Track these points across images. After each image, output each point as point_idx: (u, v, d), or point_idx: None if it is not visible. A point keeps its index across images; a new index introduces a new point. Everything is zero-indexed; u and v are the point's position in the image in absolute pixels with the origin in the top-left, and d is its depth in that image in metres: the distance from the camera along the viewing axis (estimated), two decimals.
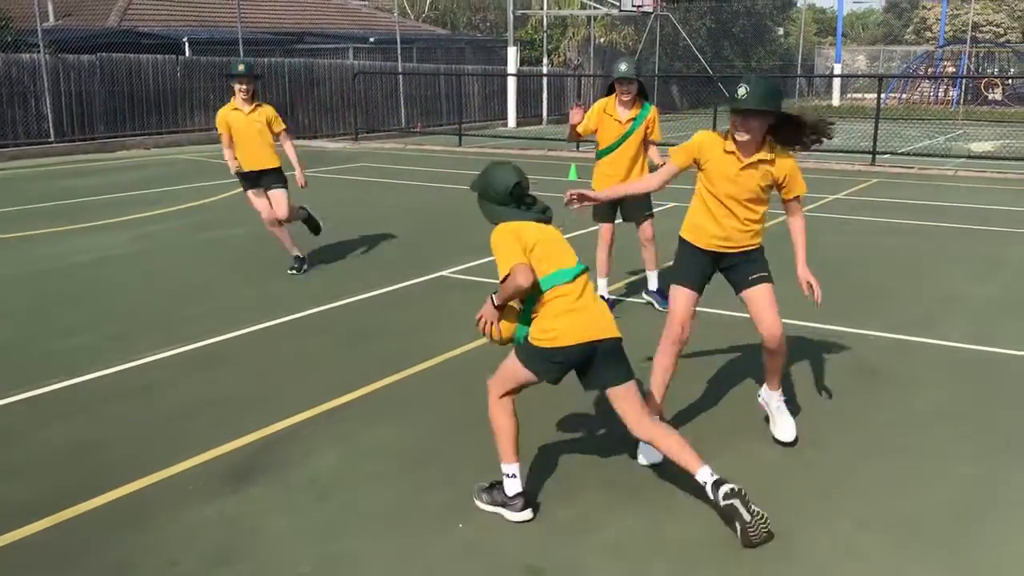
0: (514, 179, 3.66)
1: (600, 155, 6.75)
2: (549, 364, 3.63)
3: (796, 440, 4.33)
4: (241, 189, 7.92)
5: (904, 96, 35.06)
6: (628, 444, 4.34)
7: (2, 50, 17.76)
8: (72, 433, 4.48)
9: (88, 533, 3.53)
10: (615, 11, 28.13)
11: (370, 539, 3.50)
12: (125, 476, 3.97)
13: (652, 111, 6.51)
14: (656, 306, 6.71)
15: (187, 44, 21.94)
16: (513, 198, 3.67)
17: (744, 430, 4.52)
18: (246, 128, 7.54)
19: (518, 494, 3.66)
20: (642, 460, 4.15)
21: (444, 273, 7.80)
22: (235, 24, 21.30)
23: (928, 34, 43.87)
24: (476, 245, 8.88)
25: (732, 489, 3.44)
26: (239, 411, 4.74)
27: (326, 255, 8.63)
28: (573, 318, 3.58)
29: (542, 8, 30.16)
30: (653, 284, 6.86)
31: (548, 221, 3.74)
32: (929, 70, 35.75)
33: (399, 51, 25.16)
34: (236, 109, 7.55)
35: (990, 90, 33.24)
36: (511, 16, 26.16)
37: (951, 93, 33.59)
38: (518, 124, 26.08)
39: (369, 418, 4.67)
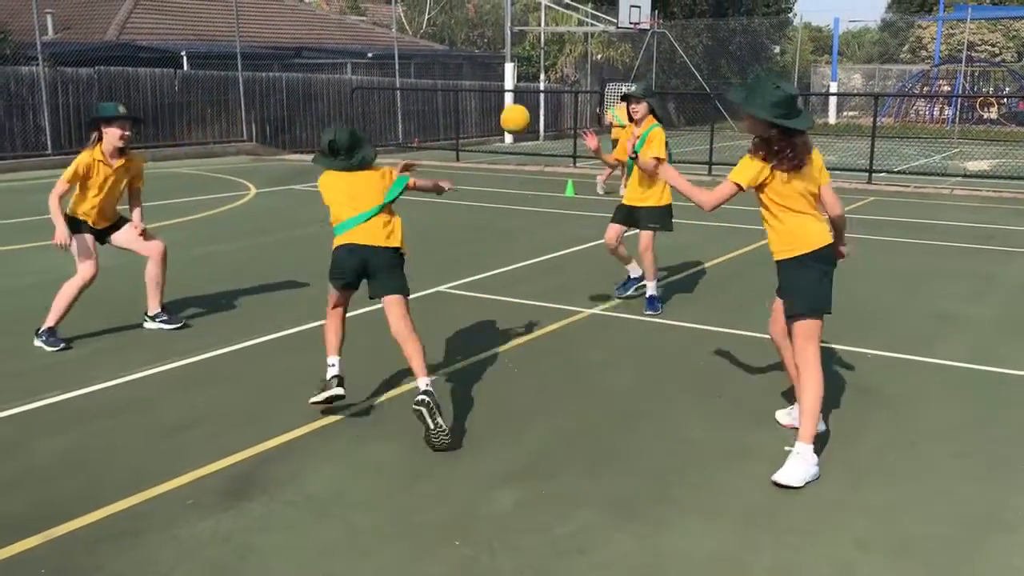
0: (329, 136, 4.85)
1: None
2: (333, 266, 4.86)
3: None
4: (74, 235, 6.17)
5: (900, 115, 35.21)
6: (627, 459, 4.32)
7: (1, 63, 17.78)
8: (66, 447, 4.45)
9: (82, 548, 3.50)
10: (612, 28, 28.27)
11: (366, 557, 3.47)
12: (119, 491, 3.94)
13: (653, 132, 6.71)
14: (645, 310, 7.01)
15: (185, 58, 21.99)
16: (330, 150, 4.85)
17: (746, 449, 4.50)
18: (112, 183, 6.20)
19: (333, 376, 4.77)
20: None
21: (441, 288, 7.78)
22: (233, 38, 21.36)
23: (923, 53, 44.09)
24: (473, 260, 8.87)
25: (425, 399, 4.29)
26: (233, 427, 4.72)
27: (321, 270, 8.61)
28: (350, 231, 4.77)
29: (539, 25, 30.29)
30: (650, 291, 7.06)
31: (358, 168, 4.88)
32: (925, 89, 35.92)
33: (397, 66, 25.23)
34: (101, 161, 6.07)
35: (985, 109, 33.38)
36: (508, 32, 26.28)
37: (946, 112, 33.74)
38: (515, 140, 26.14)
39: (365, 434, 4.64)
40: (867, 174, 16.11)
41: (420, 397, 4.33)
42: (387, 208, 4.83)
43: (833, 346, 6.17)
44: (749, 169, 4.16)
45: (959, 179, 16.63)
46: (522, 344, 6.21)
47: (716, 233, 10.69)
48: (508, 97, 26.06)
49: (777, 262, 4.33)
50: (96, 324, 6.65)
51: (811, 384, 4.20)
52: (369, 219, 4.73)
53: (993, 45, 42.32)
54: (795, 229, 4.23)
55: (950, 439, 4.65)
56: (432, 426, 4.28)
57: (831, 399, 5.20)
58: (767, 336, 6.49)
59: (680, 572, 3.39)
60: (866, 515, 3.82)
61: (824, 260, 4.28)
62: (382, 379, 5.43)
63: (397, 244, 4.79)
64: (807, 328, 4.23)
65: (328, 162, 4.92)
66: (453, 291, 7.74)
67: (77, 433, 4.63)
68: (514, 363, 5.82)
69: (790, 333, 4.34)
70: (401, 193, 4.86)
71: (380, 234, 4.73)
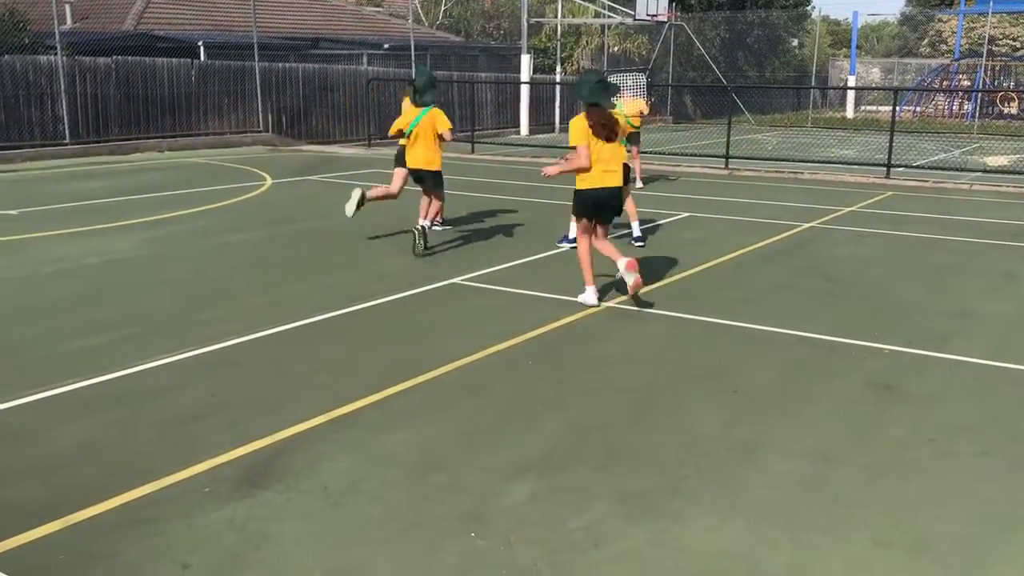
0: (413, 77, 8.73)
1: None
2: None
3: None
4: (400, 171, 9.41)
5: (919, 109, 34.93)
6: (642, 452, 4.31)
7: (20, 52, 17.86)
8: (84, 435, 4.47)
9: (99, 535, 3.52)
10: (629, 20, 28.15)
11: (382, 547, 3.48)
12: (136, 479, 3.96)
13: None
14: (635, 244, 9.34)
15: (202, 48, 22.04)
16: (416, 91, 8.76)
17: (761, 444, 4.48)
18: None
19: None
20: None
21: (456, 280, 7.78)
22: (250, 28, 21.39)
23: (943, 47, 43.71)
24: (488, 251, 8.86)
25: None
26: (251, 416, 4.73)
27: (337, 261, 8.63)
28: (408, 155, 8.93)
29: (556, 16, 30.21)
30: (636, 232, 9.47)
31: (424, 105, 8.75)
32: (944, 83, 35.61)
33: (413, 58, 25.21)
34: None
35: (1006, 104, 33.07)
36: (525, 24, 26.20)
37: (966, 107, 33.43)
38: (531, 132, 26.08)
39: (381, 425, 4.65)
40: (886, 169, 15.99)
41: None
42: (424, 135, 8.81)
43: (851, 341, 6.14)
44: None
45: (978, 174, 16.48)
46: (537, 336, 6.20)
47: (732, 228, 10.64)
48: (524, 89, 26.02)
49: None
50: (109, 315, 6.69)
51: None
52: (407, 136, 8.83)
53: (1015, 39, 41.91)
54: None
55: (970, 437, 4.61)
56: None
57: (849, 395, 5.17)
58: (783, 331, 6.49)
59: (694, 567, 3.38)
60: (884, 512, 3.79)
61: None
62: (397, 371, 5.44)
63: (436, 168, 8.87)
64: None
65: (412, 100, 8.72)
66: (468, 283, 7.74)
67: (95, 421, 4.65)
68: (529, 355, 5.81)
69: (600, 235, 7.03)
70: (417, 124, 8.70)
71: (423, 160, 8.84)
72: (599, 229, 6.98)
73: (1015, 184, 15.14)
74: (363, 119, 23.32)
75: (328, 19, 30.05)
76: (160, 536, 3.52)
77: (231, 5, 26.49)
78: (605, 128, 6.70)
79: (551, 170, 7.26)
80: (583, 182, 6.78)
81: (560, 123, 28.23)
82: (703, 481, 4.05)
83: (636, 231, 9.43)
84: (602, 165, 6.72)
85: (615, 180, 6.80)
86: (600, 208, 6.84)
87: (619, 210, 7.09)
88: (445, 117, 8.83)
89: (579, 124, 6.72)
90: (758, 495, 3.94)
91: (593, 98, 6.66)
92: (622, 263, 6.75)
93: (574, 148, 6.73)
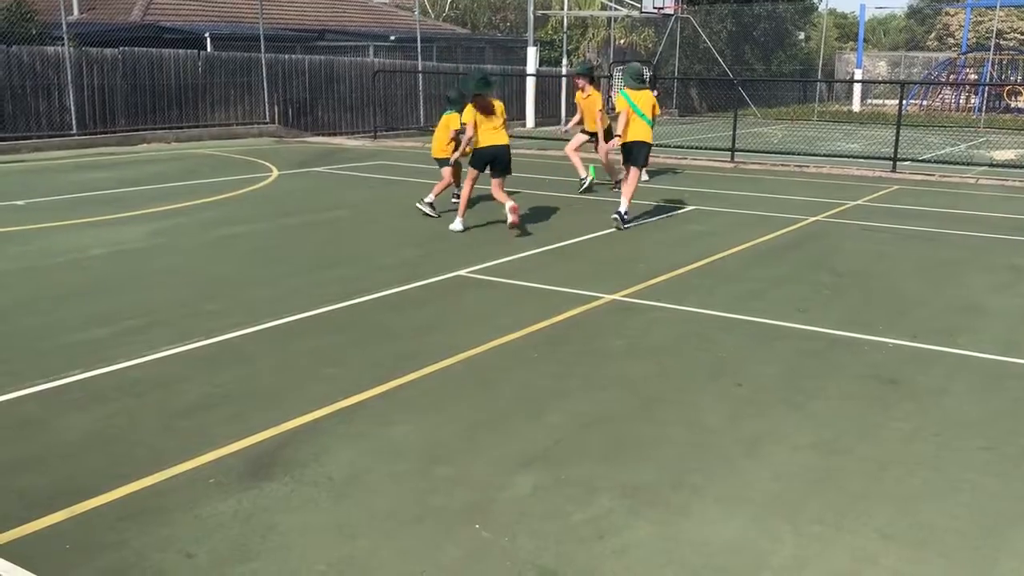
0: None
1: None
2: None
3: None
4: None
5: (925, 103, 34.79)
6: (646, 445, 4.31)
7: (27, 43, 17.89)
8: (90, 425, 4.49)
9: (105, 525, 3.54)
10: (636, 13, 28.08)
11: (386, 538, 3.49)
12: (142, 469, 3.98)
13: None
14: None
15: (209, 39, 22.04)
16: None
17: (766, 438, 4.48)
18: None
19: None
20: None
21: (461, 272, 7.79)
22: (257, 20, 21.39)
23: (951, 40, 43.55)
24: (493, 244, 8.86)
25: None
26: (256, 407, 4.74)
27: (343, 253, 8.64)
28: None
29: (562, 9, 30.13)
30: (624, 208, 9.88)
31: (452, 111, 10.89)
32: (951, 77, 35.46)
33: (419, 50, 25.17)
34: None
35: (1013, 98, 32.92)
36: (531, 16, 26.14)
37: (973, 100, 33.29)
38: (536, 124, 26.04)
39: (386, 417, 4.66)
40: (892, 162, 15.94)
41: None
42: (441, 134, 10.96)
43: (856, 335, 6.13)
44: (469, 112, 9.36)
45: (985, 168, 16.42)
46: (541, 329, 6.20)
47: (738, 221, 10.63)
48: (530, 81, 25.98)
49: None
50: (116, 306, 6.71)
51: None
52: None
53: (1023, 33, 41.70)
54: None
55: (976, 432, 4.61)
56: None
57: (854, 389, 5.17)
58: (789, 324, 6.49)
59: (698, 560, 3.38)
60: (889, 506, 3.79)
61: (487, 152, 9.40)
62: (402, 363, 5.45)
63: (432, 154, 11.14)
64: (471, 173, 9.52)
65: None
66: (473, 275, 7.74)
67: (101, 411, 4.67)
68: (533, 348, 5.82)
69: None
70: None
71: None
72: (498, 181, 9.43)
73: (1022, 179, 15.08)
74: (369, 111, 23.31)
75: (334, 11, 30.02)
76: (166, 526, 3.53)
77: None
78: (486, 108, 9.27)
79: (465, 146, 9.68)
80: (479, 144, 9.31)
81: (565, 115, 28.19)
82: (707, 474, 4.05)
83: (623, 206, 9.84)
84: (491, 132, 9.28)
85: (502, 140, 9.36)
86: (495, 161, 9.31)
87: (510, 168, 9.50)
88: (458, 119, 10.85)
89: (468, 109, 9.34)
90: (763, 488, 3.94)
91: (477, 89, 9.27)
92: (508, 205, 9.18)
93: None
